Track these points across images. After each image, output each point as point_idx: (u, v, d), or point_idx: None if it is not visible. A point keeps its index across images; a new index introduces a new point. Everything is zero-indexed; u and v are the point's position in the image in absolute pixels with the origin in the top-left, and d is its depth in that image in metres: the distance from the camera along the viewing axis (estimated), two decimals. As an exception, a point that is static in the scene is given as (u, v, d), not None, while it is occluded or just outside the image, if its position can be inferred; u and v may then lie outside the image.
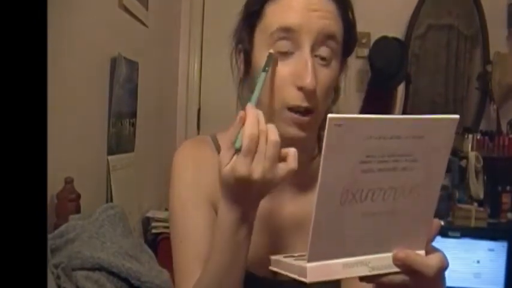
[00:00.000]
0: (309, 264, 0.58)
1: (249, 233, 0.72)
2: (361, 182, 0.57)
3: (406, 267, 0.61)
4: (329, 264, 0.59)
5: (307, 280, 0.58)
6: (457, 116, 0.59)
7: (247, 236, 0.72)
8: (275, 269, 0.66)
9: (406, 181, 0.59)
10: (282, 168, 0.66)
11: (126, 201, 1.81)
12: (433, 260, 0.62)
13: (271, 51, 0.77)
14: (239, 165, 0.65)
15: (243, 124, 0.66)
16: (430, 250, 0.64)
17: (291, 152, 0.67)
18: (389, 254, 0.62)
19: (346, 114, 0.54)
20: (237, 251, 0.71)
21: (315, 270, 0.58)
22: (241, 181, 0.65)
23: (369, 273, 0.61)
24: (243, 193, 0.68)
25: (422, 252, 0.63)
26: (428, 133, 0.58)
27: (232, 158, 0.66)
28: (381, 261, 0.61)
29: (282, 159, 0.67)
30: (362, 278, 0.63)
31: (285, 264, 0.64)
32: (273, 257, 0.67)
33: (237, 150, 0.65)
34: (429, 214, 0.63)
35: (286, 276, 0.88)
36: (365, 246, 0.61)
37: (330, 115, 0.53)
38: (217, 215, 0.73)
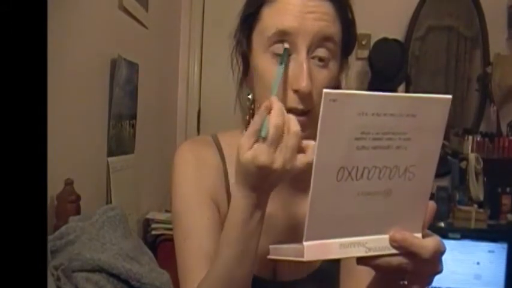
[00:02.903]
0: (306, 243, 0.58)
1: (261, 222, 0.72)
2: (356, 159, 0.57)
3: (403, 249, 0.62)
4: (326, 243, 0.59)
5: (304, 259, 0.58)
6: (449, 96, 0.60)
7: (259, 225, 0.72)
8: (273, 257, 0.67)
9: (400, 160, 0.60)
10: (301, 160, 0.67)
11: (126, 202, 1.81)
12: (429, 242, 0.62)
13: (287, 45, 0.77)
14: (262, 154, 0.65)
15: (268, 113, 0.66)
16: (427, 234, 0.64)
17: (311, 144, 0.67)
18: (387, 236, 0.62)
19: (341, 90, 0.55)
20: (249, 240, 0.71)
21: (312, 249, 0.59)
22: (262, 169, 0.66)
23: (365, 254, 0.61)
24: (261, 181, 0.68)
25: (419, 234, 0.63)
26: (421, 112, 0.59)
27: (253, 145, 0.66)
28: (378, 243, 0.62)
29: (301, 150, 0.67)
30: (359, 260, 0.63)
31: (282, 249, 0.65)
32: (272, 246, 0.68)
33: (261, 138, 0.66)
34: (425, 196, 0.63)
35: (286, 277, 0.89)
36: (362, 227, 0.61)
37: (325, 90, 0.54)
38: (230, 205, 0.73)
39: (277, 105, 0.67)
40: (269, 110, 0.67)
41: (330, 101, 0.54)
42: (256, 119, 0.67)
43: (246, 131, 0.68)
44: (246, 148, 0.66)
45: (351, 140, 0.56)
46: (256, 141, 0.66)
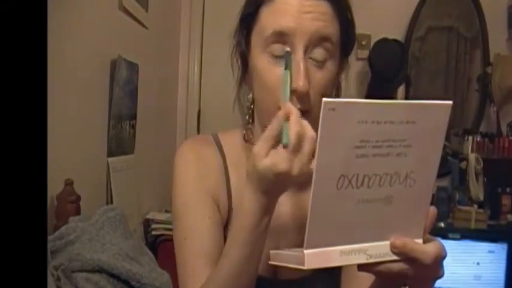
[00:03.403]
0: (306, 251, 0.58)
1: (269, 224, 0.72)
2: (356, 167, 0.57)
3: (403, 255, 0.62)
4: (327, 251, 0.59)
5: (305, 267, 0.58)
6: (449, 102, 0.60)
7: (267, 227, 0.72)
8: (274, 262, 0.67)
9: (400, 167, 0.60)
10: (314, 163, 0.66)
11: (126, 203, 1.81)
12: (430, 248, 0.62)
13: (288, 49, 0.77)
14: (282, 161, 0.65)
15: (287, 120, 0.66)
16: (428, 239, 0.64)
17: None
18: (387, 242, 0.62)
19: (340, 99, 0.55)
20: (257, 242, 0.72)
21: (313, 257, 0.59)
22: (280, 176, 0.66)
23: (366, 261, 0.61)
24: (277, 186, 0.68)
25: (420, 240, 0.63)
26: (421, 118, 0.59)
27: (269, 151, 0.66)
28: (379, 249, 0.62)
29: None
30: (360, 267, 0.63)
31: (283, 255, 0.65)
32: (272, 251, 0.68)
33: (283, 146, 0.65)
34: (425, 202, 0.64)
35: (287, 276, 0.89)
36: (363, 234, 0.61)
37: (324, 99, 0.54)
38: (238, 207, 0.73)
39: (295, 112, 0.66)
40: (287, 117, 0.66)
41: (329, 109, 0.54)
42: (273, 125, 0.67)
43: (260, 136, 0.68)
44: (263, 155, 0.66)
45: (351, 148, 0.56)
46: (272, 147, 0.66)
